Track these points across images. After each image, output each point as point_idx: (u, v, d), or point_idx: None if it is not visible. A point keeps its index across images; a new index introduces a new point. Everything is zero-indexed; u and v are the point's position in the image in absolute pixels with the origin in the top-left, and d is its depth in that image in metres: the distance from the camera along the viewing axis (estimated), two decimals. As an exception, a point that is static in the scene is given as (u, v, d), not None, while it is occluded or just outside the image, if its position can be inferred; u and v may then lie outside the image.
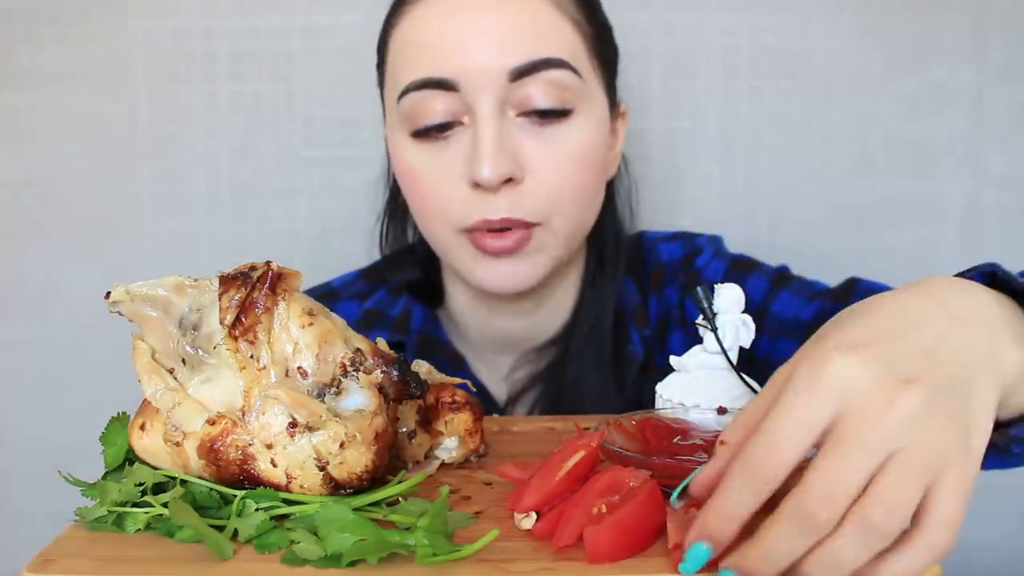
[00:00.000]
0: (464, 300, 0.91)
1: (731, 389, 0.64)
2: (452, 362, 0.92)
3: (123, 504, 0.53)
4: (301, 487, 0.52)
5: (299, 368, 0.53)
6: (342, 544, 0.47)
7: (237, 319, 0.53)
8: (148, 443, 0.55)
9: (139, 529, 0.52)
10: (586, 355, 0.87)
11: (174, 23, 1.13)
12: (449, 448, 0.63)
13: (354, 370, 0.54)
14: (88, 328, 1.16)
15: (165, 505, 0.52)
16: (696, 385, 0.64)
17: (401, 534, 0.48)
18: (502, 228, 0.78)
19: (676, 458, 0.54)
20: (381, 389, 0.54)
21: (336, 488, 0.53)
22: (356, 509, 0.50)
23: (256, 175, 1.16)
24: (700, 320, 0.65)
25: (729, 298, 0.65)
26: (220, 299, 0.53)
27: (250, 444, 0.52)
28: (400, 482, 0.55)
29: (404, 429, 0.61)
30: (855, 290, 0.84)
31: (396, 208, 0.94)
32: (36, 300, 1.19)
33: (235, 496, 0.52)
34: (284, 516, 0.52)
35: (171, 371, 0.55)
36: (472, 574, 0.46)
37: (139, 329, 0.56)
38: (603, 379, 0.87)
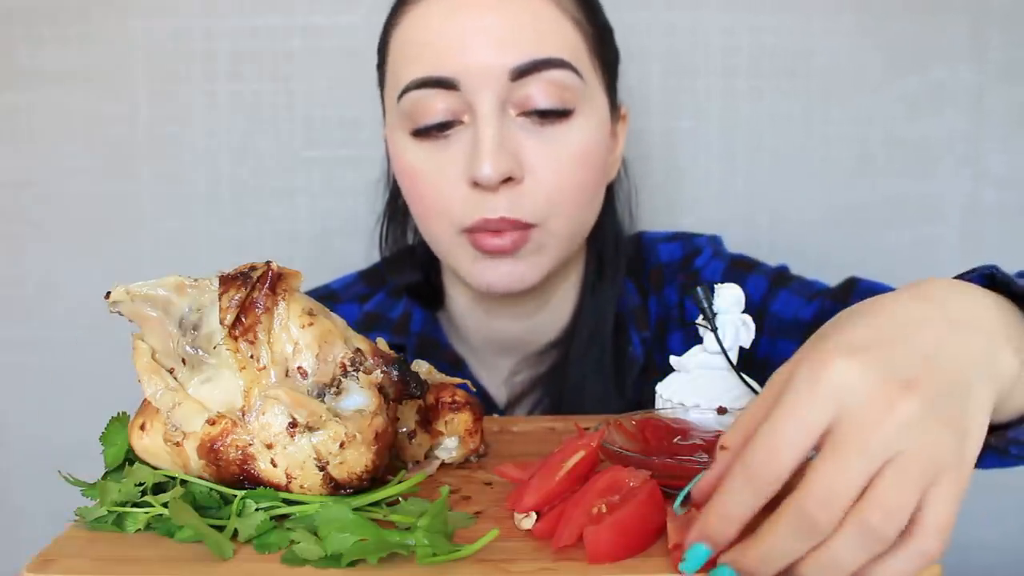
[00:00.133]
0: (464, 302, 0.91)
1: (731, 389, 0.64)
2: (452, 365, 0.92)
3: (123, 504, 0.53)
4: (301, 487, 0.52)
5: (299, 368, 0.53)
6: (342, 544, 0.47)
7: (237, 319, 0.53)
8: (148, 443, 0.55)
9: (139, 529, 0.52)
10: (587, 360, 0.87)
11: (174, 23, 1.13)
12: (449, 448, 0.63)
13: (354, 370, 0.54)
14: (88, 328, 1.16)
15: (165, 505, 0.52)
16: (696, 385, 0.64)
17: (401, 534, 0.48)
18: (500, 228, 0.78)
19: (676, 458, 0.54)
20: (381, 389, 0.54)
21: (336, 488, 0.53)
22: (356, 509, 0.50)
23: (256, 175, 1.16)
24: (700, 320, 0.65)
25: (729, 298, 0.65)
26: (220, 299, 0.53)
27: (250, 444, 0.52)
28: (400, 482, 0.55)
29: (404, 429, 0.61)
30: (855, 290, 0.84)
31: (396, 210, 0.94)
32: (36, 300, 1.19)
33: (235, 496, 0.52)
34: (284, 516, 0.52)
35: (171, 371, 0.55)
36: (472, 574, 0.46)
37: (139, 329, 0.56)
38: (604, 383, 0.87)
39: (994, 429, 0.50)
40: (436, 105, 0.77)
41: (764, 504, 0.42)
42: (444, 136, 0.79)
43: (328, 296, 0.96)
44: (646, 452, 0.56)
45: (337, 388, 0.53)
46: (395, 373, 0.54)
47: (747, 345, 0.65)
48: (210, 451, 0.52)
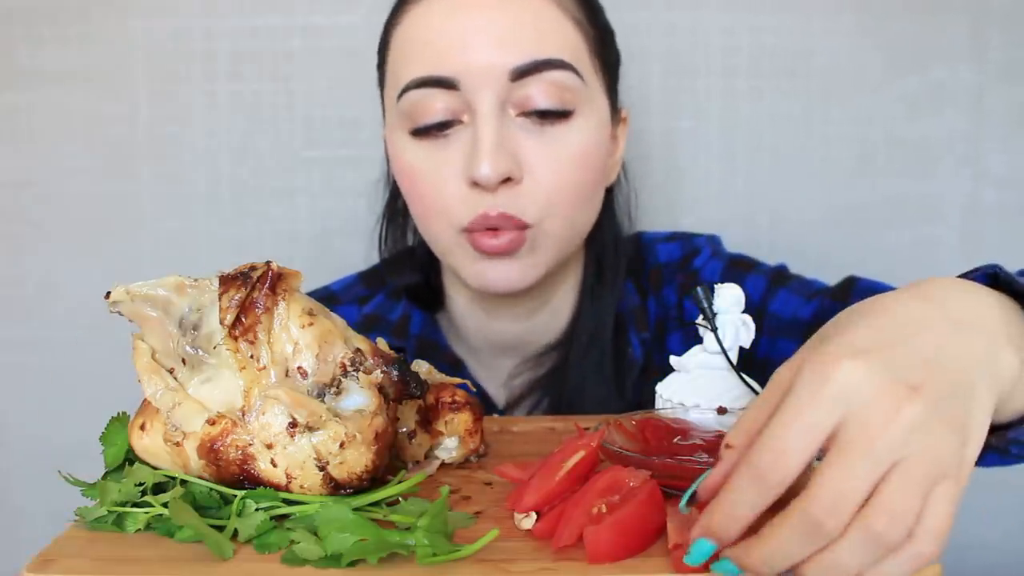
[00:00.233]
0: (463, 302, 0.91)
1: (731, 389, 0.64)
2: (452, 366, 0.92)
3: (123, 504, 0.53)
4: (301, 487, 0.52)
5: (299, 368, 0.53)
6: (342, 544, 0.47)
7: (237, 319, 0.53)
8: (148, 443, 0.55)
9: (139, 529, 0.52)
10: (586, 362, 0.87)
11: (174, 23, 1.13)
12: (449, 448, 0.63)
13: (354, 370, 0.54)
14: (88, 328, 1.16)
15: (165, 505, 0.52)
16: (696, 385, 0.64)
17: (401, 534, 0.48)
18: (498, 227, 0.77)
19: (676, 458, 0.54)
20: (381, 389, 0.54)
21: (336, 488, 0.53)
22: (356, 509, 0.50)
23: (256, 175, 1.16)
24: (700, 320, 0.65)
25: (729, 298, 0.65)
26: (220, 299, 0.53)
27: (250, 444, 0.52)
28: (400, 482, 0.55)
29: (404, 429, 0.61)
30: (854, 289, 0.84)
31: (395, 211, 0.94)
32: (36, 300, 1.19)
33: (235, 496, 0.52)
34: (284, 516, 0.52)
35: (171, 371, 0.55)
36: (472, 574, 0.46)
37: (139, 329, 0.56)
38: (603, 385, 0.87)
39: (994, 429, 0.50)
40: (435, 104, 0.77)
41: (769, 504, 0.42)
42: (443, 136, 0.79)
43: (327, 298, 0.96)
44: (646, 452, 0.56)
45: (337, 388, 0.53)
46: (395, 373, 0.54)
47: (747, 345, 0.65)
48: (210, 451, 0.52)
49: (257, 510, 0.51)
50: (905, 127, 1.12)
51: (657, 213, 1.11)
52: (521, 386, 0.90)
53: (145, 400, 0.55)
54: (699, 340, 0.66)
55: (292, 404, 0.51)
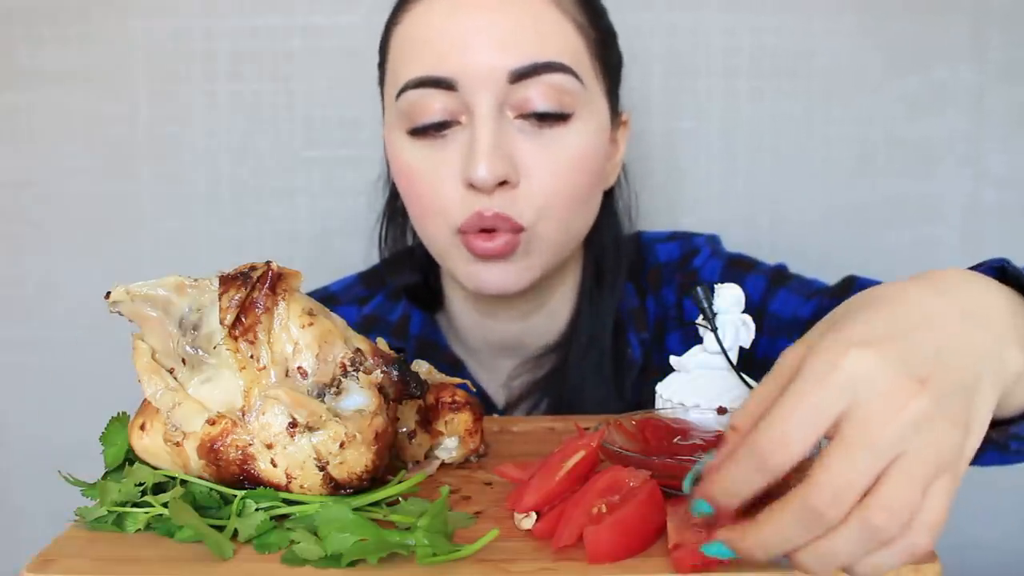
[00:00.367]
0: (462, 303, 0.91)
1: (731, 389, 0.64)
2: (451, 366, 0.91)
3: (123, 504, 0.53)
4: (301, 487, 0.52)
5: (299, 368, 0.53)
6: (342, 544, 0.47)
7: (237, 319, 0.53)
8: (148, 443, 0.55)
9: (139, 529, 0.52)
10: (586, 363, 0.87)
11: (174, 23, 1.13)
12: (449, 448, 0.63)
13: (354, 370, 0.54)
14: (88, 328, 1.16)
15: (165, 505, 0.52)
16: (696, 385, 0.64)
17: (401, 534, 0.48)
18: (493, 228, 0.77)
19: (676, 458, 0.54)
20: (381, 389, 0.54)
21: (336, 488, 0.53)
22: (356, 509, 0.50)
23: (256, 175, 1.16)
24: (700, 320, 0.65)
25: (729, 298, 0.65)
26: (220, 299, 0.53)
27: (250, 444, 0.52)
28: (400, 482, 0.55)
29: (404, 429, 0.61)
30: (853, 289, 0.84)
31: (395, 210, 0.93)
32: (36, 300, 1.19)
33: (235, 496, 0.52)
34: (284, 516, 0.52)
35: (171, 371, 0.55)
36: (472, 574, 0.46)
37: (139, 329, 0.56)
38: (603, 386, 0.87)
39: (995, 424, 0.50)
40: (434, 105, 0.77)
41: (768, 485, 0.42)
42: (441, 136, 0.78)
43: (327, 299, 0.96)
44: (646, 452, 0.56)
45: (337, 388, 0.53)
46: (395, 373, 0.54)
47: (747, 345, 0.65)
48: (210, 451, 0.52)
49: (257, 510, 0.51)
50: (905, 127, 1.12)
51: (658, 214, 1.11)
52: (521, 386, 0.90)
53: (145, 400, 0.55)
54: (698, 340, 0.66)
55: (292, 404, 0.51)
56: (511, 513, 0.53)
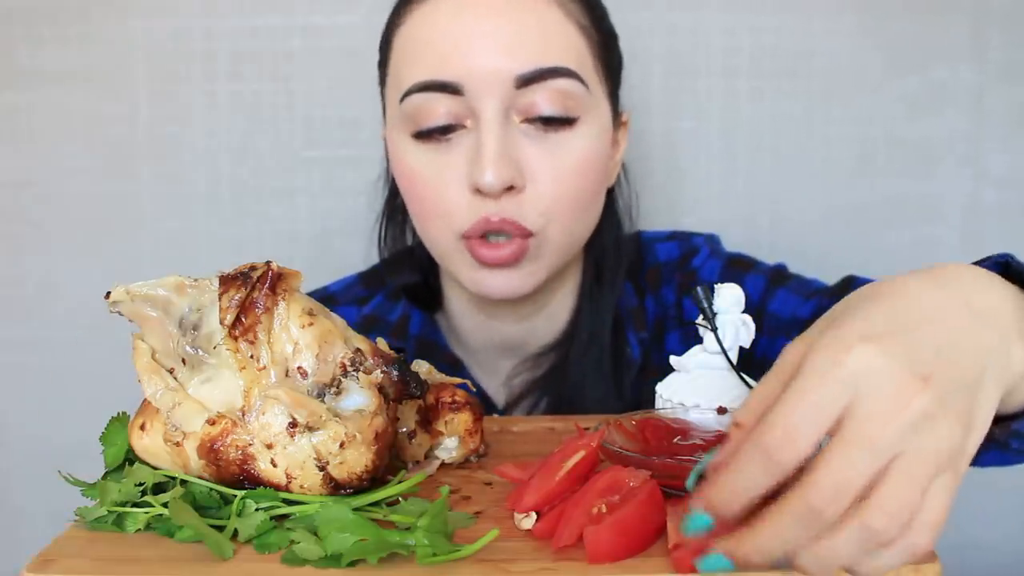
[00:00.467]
0: (462, 304, 0.91)
1: (731, 389, 0.64)
2: (451, 366, 0.91)
3: (123, 504, 0.53)
4: (301, 487, 0.52)
5: (299, 368, 0.53)
6: (342, 544, 0.47)
7: (237, 319, 0.53)
8: (148, 443, 0.55)
9: (139, 529, 0.52)
10: (586, 363, 0.87)
11: (174, 23, 1.13)
12: (449, 448, 0.63)
13: (354, 370, 0.54)
14: (88, 328, 1.16)
15: (165, 505, 0.52)
16: (696, 385, 0.64)
17: (401, 534, 0.48)
18: (499, 232, 0.77)
19: (676, 458, 0.54)
20: (381, 389, 0.54)
21: (336, 488, 0.53)
22: (356, 509, 0.50)
23: (256, 175, 1.16)
24: (700, 320, 0.65)
25: (729, 298, 0.65)
26: (220, 299, 0.53)
27: (250, 444, 0.52)
28: (400, 482, 0.55)
29: (404, 429, 0.61)
30: (852, 288, 0.82)
31: (395, 209, 0.93)
32: (36, 300, 1.19)
33: (235, 496, 0.52)
34: (284, 516, 0.52)
35: (171, 371, 0.55)
36: (472, 574, 0.46)
37: (139, 329, 0.56)
38: (602, 383, 0.87)
39: (997, 421, 0.50)
40: (439, 109, 0.77)
41: (774, 484, 0.42)
42: (446, 140, 0.78)
43: (326, 299, 0.96)
44: (646, 452, 0.56)
45: (337, 388, 0.53)
46: (395, 373, 0.54)
47: (747, 345, 0.65)
48: (210, 451, 0.52)
49: (257, 510, 0.51)
50: (905, 127, 1.12)
51: (658, 214, 1.11)
52: (520, 386, 0.90)
53: (145, 400, 0.55)
54: (698, 339, 0.66)
55: (292, 404, 0.51)
56: (511, 513, 0.53)
